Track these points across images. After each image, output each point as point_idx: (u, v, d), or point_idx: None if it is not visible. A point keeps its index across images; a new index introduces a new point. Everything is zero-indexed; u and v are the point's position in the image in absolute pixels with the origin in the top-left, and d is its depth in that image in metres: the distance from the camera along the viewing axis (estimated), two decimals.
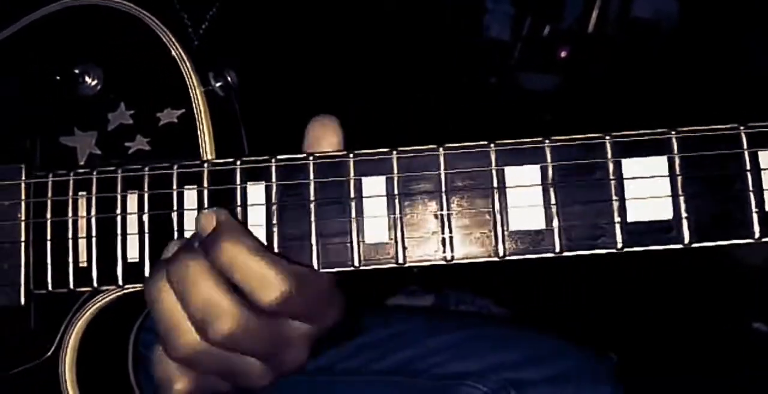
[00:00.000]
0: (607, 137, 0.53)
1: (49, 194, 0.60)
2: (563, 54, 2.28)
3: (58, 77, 0.61)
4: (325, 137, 0.57)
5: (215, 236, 0.52)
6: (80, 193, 0.59)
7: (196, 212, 0.57)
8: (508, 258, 0.53)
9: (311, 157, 0.57)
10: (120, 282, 0.58)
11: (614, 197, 0.52)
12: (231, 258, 0.51)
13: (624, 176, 0.52)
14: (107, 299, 0.59)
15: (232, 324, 0.50)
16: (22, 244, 0.60)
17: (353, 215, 0.56)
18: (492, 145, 0.54)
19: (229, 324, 0.50)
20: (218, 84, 0.64)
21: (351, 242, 0.55)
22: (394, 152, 0.56)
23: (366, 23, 0.87)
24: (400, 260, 0.55)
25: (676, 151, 0.52)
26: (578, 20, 2.23)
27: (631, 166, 0.52)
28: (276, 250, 0.56)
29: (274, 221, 0.56)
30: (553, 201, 0.53)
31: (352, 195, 0.56)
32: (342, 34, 0.84)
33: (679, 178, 0.51)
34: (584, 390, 0.89)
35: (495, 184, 0.54)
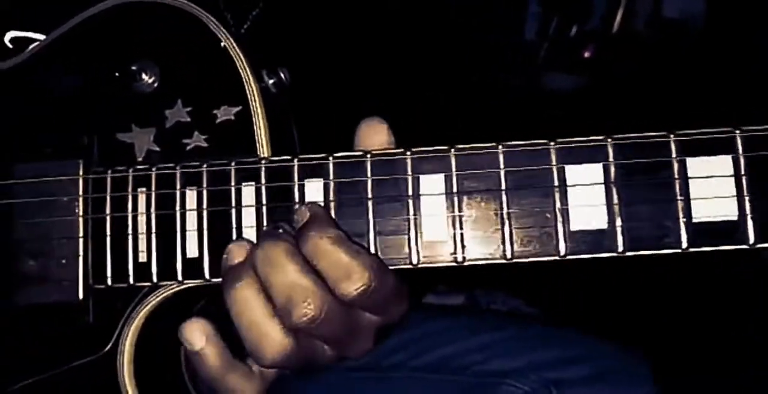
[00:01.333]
0: (672, 136, 0.52)
1: (108, 190, 0.60)
2: (587, 54, 2.27)
3: (117, 74, 0.61)
4: (372, 137, 0.58)
5: (303, 226, 0.53)
6: (140, 189, 0.59)
7: (254, 209, 0.58)
8: (569, 257, 0.53)
9: (368, 155, 0.57)
10: (179, 278, 0.58)
11: (679, 197, 0.52)
12: (316, 246, 0.52)
13: (689, 175, 0.52)
14: (166, 294, 0.59)
15: (317, 308, 0.51)
16: (80, 239, 0.61)
17: (411, 212, 0.56)
18: (552, 143, 0.54)
19: (314, 308, 0.51)
20: (271, 81, 0.64)
21: (409, 240, 0.56)
22: (452, 150, 0.56)
23: (396, 24, 0.87)
24: (459, 259, 0.55)
25: (740, 151, 0.51)
26: (603, 20, 2.21)
27: (695, 165, 0.52)
28: None
29: (332, 217, 0.56)
30: (615, 200, 0.52)
31: (410, 193, 0.56)
32: (376, 37, 0.85)
33: (744, 178, 0.51)
34: (624, 390, 0.88)
35: (556, 183, 0.54)
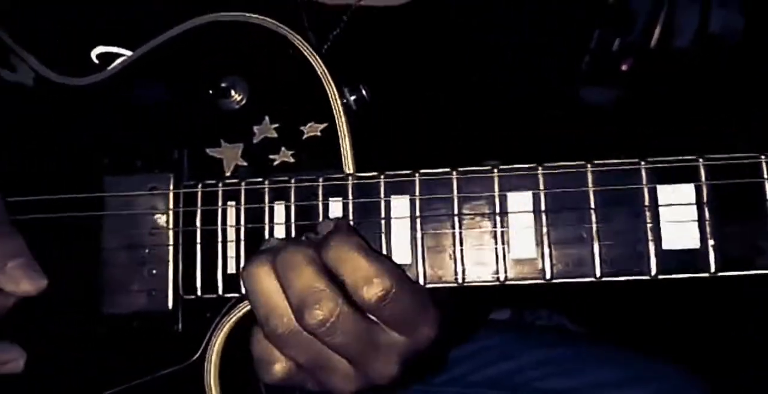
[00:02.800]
0: (763, 157, 0.53)
1: (199, 203, 0.62)
2: (625, 67, 2.26)
3: (210, 91, 0.63)
4: None
5: (326, 236, 0.55)
6: (229, 203, 0.61)
7: None
8: (660, 277, 0.53)
9: (455, 172, 0.58)
10: None
11: None
12: (338, 252, 0.53)
13: None
14: None
15: (329, 311, 0.52)
16: (170, 251, 0.62)
17: (499, 229, 0.56)
18: (643, 162, 0.55)
19: (325, 311, 0.52)
20: (353, 98, 0.66)
21: (496, 257, 0.56)
22: (540, 168, 0.56)
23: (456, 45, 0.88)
24: (548, 276, 0.55)
25: None
26: (643, 32, 2.20)
27: None
28: (419, 262, 0.57)
29: (418, 234, 0.57)
30: (708, 220, 0.53)
31: (498, 210, 0.57)
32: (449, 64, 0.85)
33: None
34: None
35: (647, 203, 0.54)
